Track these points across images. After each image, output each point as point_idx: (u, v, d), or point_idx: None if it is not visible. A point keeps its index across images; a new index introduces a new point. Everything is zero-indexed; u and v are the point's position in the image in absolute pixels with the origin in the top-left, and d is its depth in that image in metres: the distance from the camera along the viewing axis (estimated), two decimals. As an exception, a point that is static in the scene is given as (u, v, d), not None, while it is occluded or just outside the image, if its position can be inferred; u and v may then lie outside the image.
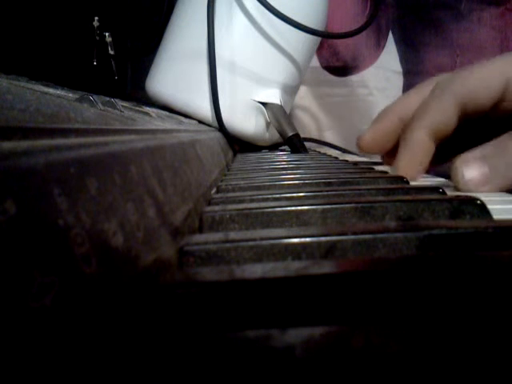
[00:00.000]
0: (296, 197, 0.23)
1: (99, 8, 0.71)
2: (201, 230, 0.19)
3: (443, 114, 0.36)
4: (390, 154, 0.43)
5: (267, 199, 0.23)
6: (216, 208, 0.20)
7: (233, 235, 0.16)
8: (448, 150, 0.38)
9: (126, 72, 0.79)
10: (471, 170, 0.30)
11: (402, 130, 0.40)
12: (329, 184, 0.28)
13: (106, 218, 0.10)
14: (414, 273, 0.12)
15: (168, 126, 0.30)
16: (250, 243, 0.15)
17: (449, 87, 0.36)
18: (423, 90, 0.40)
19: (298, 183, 0.28)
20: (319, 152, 0.71)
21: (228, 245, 0.15)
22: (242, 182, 0.29)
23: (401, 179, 0.30)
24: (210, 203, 0.23)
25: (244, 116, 0.63)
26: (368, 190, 0.24)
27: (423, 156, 0.37)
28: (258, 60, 0.62)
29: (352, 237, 0.15)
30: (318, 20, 0.64)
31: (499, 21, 0.93)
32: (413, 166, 0.37)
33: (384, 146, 0.43)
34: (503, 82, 0.34)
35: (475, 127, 0.37)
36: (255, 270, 0.12)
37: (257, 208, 0.19)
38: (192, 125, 0.52)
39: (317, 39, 0.67)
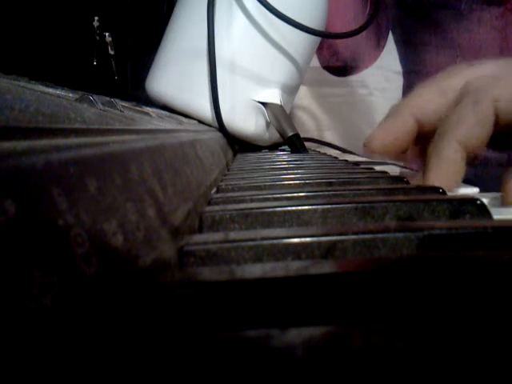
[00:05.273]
0: (296, 197, 0.23)
1: (99, 8, 0.71)
2: (201, 230, 0.19)
3: (481, 126, 0.31)
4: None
5: (267, 199, 0.23)
6: (216, 208, 0.20)
7: (233, 235, 0.16)
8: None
9: (126, 72, 0.79)
10: None
11: (428, 138, 0.35)
12: (329, 184, 0.28)
13: (106, 218, 0.10)
14: (414, 273, 0.12)
15: (168, 125, 0.30)
16: (250, 243, 0.15)
17: (488, 92, 0.31)
18: (441, 84, 0.35)
19: (298, 183, 0.28)
20: (319, 152, 0.71)
21: (228, 245, 0.15)
22: (242, 182, 0.29)
23: (401, 179, 0.30)
24: (209, 203, 0.23)
25: (244, 116, 0.63)
26: (368, 190, 0.24)
27: (457, 174, 0.33)
28: (257, 60, 0.62)
29: (352, 237, 0.15)
30: (318, 20, 0.64)
31: (499, 21, 0.93)
32: (446, 184, 0.33)
33: (397, 149, 0.37)
34: None
35: None
36: (255, 270, 0.12)
37: (257, 208, 0.19)
38: (192, 125, 0.52)
39: (317, 39, 0.67)
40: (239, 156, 0.60)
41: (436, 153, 0.33)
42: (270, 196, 0.23)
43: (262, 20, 0.60)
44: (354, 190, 0.24)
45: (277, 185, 0.28)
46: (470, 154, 0.33)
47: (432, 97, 0.35)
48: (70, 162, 0.09)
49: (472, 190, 0.34)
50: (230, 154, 0.57)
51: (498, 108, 0.31)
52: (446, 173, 0.33)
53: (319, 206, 0.19)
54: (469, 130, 0.32)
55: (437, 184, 0.34)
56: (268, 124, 0.65)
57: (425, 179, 0.34)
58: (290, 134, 0.62)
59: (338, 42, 0.94)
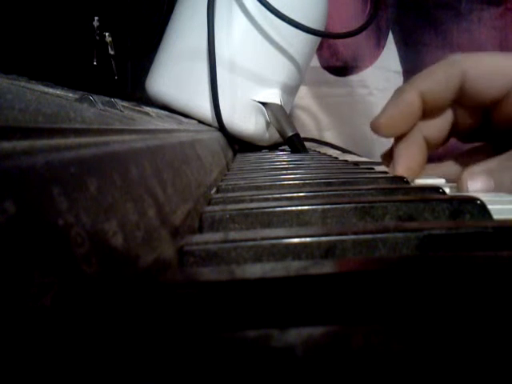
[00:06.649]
0: (296, 197, 0.23)
1: (99, 8, 0.71)
2: (201, 230, 0.19)
3: (445, 84, 0.35)
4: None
5: (267, 199, 0.23)
6: (216, 208, 0.20)
7: (233, 235, 0.16)
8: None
9: (126, 72, 0.79)
10: (476, 183, 0.30)
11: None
12: (329, 184, 0.28)
13: (106, 218, 0.10)
14: (414, 273, 0.12)
15: (168, 126, 0.30)
16: (250, 243, 0.15)
17: (462, 62, 0.35)
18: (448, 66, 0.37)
19: (298, 183, 0.28)
20: (319, 152, 0.71)
21: (228, 245, 0.15)
22: (242, 182, 0.29)
23: (401, 179, 0.30)
24: (209, 203, 0.23)
25: (244, 116, 0.63)
26: (368, 190, 0.24)
27: (408, 118, 0.35)
28: (258, 60, 0.62)
29: (352, 237, 0.15)
30: (318, 20, 0.63)
31: (499, 21, 0.93)
32: (395, 124, 0.35)
33: (403, 125, 0.37)
34: None
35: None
36: (255, 270, 0.12)
37: (257, 208, 0.19)
38: (192, 125, 0.52)
39: (317, 39, 0.67)
40: (239, 156, 0.60)
41: (396, 95, 0.36)
42: (269, 196, 0.23)
43: (262, 20, 0.60)
44: (354, 190, 0.24)
45: (277, 185, 0.28)
46: (427, 108, 0.35)
47: (439, 76, 0.37)
48: (70, 162, 0.09)
49: (438, 181, 0.35)
50: (230, 154, 0.57)
51: (465, 77, 0.34)
52: (398, 113, 0.35)
53: (319, 206, 0.19)
54: (433, 84, 0.35)
55: (386, 122, 0.35)
56: (268, 124, 0.65)
57: (377, 117, 0.36)
58: (290, 133, 0.62)
59: (338, 41, 0.94)
